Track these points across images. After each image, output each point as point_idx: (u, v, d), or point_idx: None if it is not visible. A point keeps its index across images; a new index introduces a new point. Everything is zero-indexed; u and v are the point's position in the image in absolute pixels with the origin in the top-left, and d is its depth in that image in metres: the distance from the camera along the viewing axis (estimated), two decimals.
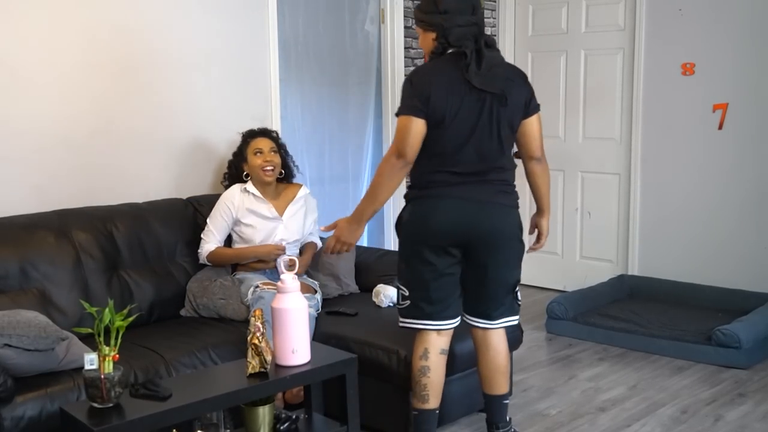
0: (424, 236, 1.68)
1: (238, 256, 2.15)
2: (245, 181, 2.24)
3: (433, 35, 1.68)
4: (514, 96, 1.67)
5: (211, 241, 2.17)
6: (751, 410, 2.17)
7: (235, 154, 2.29)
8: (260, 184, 2.21)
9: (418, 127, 1.62)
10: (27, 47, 2.06)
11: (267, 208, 2.19)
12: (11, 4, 2.02)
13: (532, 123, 1.72)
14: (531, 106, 1.71)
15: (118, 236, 2.10)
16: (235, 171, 2.27)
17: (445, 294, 1.71)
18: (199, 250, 2.18)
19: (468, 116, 1.64)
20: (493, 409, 1.83)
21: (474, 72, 1.62)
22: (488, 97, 1.64)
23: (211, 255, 2.15)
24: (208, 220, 2.19)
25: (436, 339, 1.73)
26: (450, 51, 1.67)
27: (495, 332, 1.79)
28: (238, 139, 2.33)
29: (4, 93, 2.03)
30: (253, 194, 2.19)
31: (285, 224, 2.21)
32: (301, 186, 2.30)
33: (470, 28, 1.66)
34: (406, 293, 1.73)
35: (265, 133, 2.29)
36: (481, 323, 1.78)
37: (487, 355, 1.79)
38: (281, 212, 2.22)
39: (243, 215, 2.17)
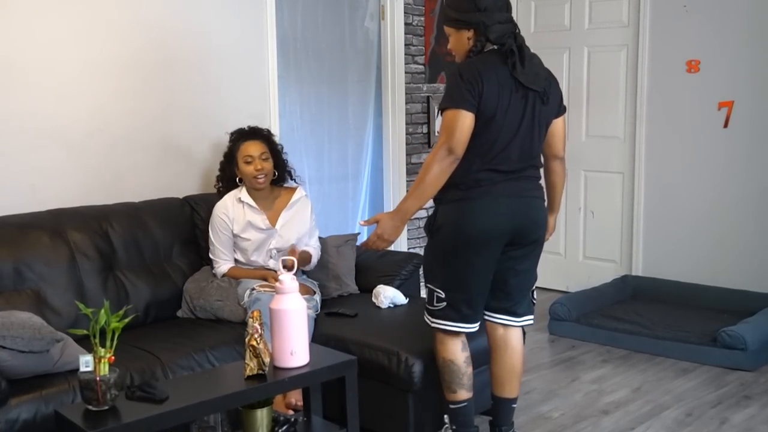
0: (473, 238, 1.66)
1: (249, 277, 2.11)
2: (238, 185, 2.19)
3: (468, 34, 1.67)
4: (552, 95, 1.71)
5: (222, 261, 2.15)
6: (757, 413, 2.15)
7: (226, 156, 2.23)
8: (253, 190, 2.17)
9: (468, 121, 1.60)
10: (23, 45, 2.05)
11: (261, 220, 2.14)
12: (8, 2, 2.00)
13: (560, 123, 1.78)
14: (562, 107, 1.77)
15: (113, 236, 2.08)
16: (229, 174, 2.21)
17: (483, 296, 1.74)
18: (213, 271, 2.16)
19: (514, 114, 1.65)
20: (502, 412, 1.82)
21: (520, 70, 1.63)
22: (531, 95, 1.67)
23: (225, 277, 2.14)
24: (211, 237, 2.15)
25: (464, 337, 1.77)
26: (489, 49, 1.66)
27: (515, 331, 1.81)
28: None
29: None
30: (248, 204, 2.14)
31: (279, 233, 2.16)
32: (296, 189, 2.24)
33: (508, 25, 1.67)
34: (443, 295, 1.70)
35: (255, 134, 2.20)
36: (506, 320, 1.79)
37: (505, 354, 1.79)
38: (274, 221, 2.16)
39: (239, 229, 2.13)
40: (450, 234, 1.68)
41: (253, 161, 2.13)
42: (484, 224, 1.65)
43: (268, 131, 2.27)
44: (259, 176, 2.13)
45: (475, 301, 1.72)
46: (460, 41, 1.69)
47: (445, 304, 1.71)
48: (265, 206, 2.18)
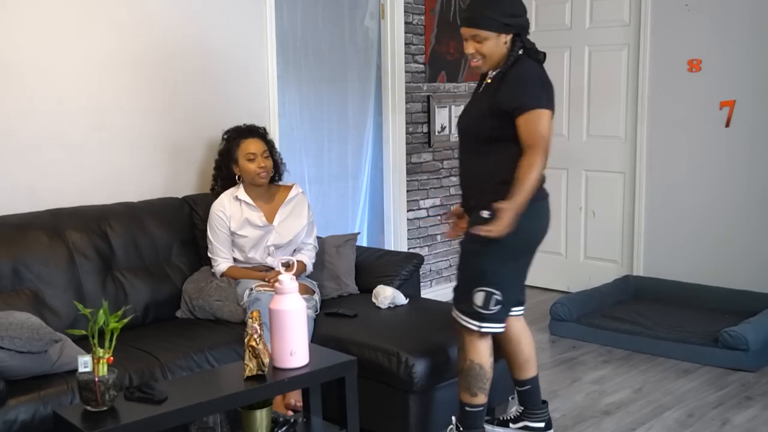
0: (539, 237, 1.73)
1: (248, 277, 2.11)
2: (237, 183, 2.19)
3: (507, 38, 1.67)
4: None
5: (221, 259, 2.14)
6: (758, 414, 2.14)
7: (222, 154, 2.22)
8: (252, 187, 2.17)
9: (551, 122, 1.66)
10: (20, 44, 2.04)
11: (258, 217, 2.14)
12: (6, 2, 1.99)
13: None
14: None
15: (112, 236, 2.07)
16: (226, 173, 2.20)
17: None
18: (212, 270, 2.15)
19: None
20: (537, 389, 1.88)
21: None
22: None
23: (224, 275, 2.13)
24: (209, 236, 2.14)
25: (491, 341, 1.80)
26: (519, 53, 1.69)
27: (523, 317, 1.90)
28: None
29: None
30: (245, 201, 2.14)
31: (277, 230, 2.16)
32: (293, 186, 2.24)
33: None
34: (500, 297, 1.70)
35: (254, 132, 2.21)
36: (520, 310, 1.87)
37: (526, 337, 1.87)
38: (272, 218, 2.16)
39: (236, 226, 2.13)
40: (524, 233, 1.66)
41: (256, 158, 2.13)
42: (546, 224, 1.73)
43: (265, 129, 2.27)
44: (262, 173, 2.13)
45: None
46: (498, 45, 1.67)
47: (500, 306, 1.71)
48: (263, 204, 2.17)
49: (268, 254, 2.16)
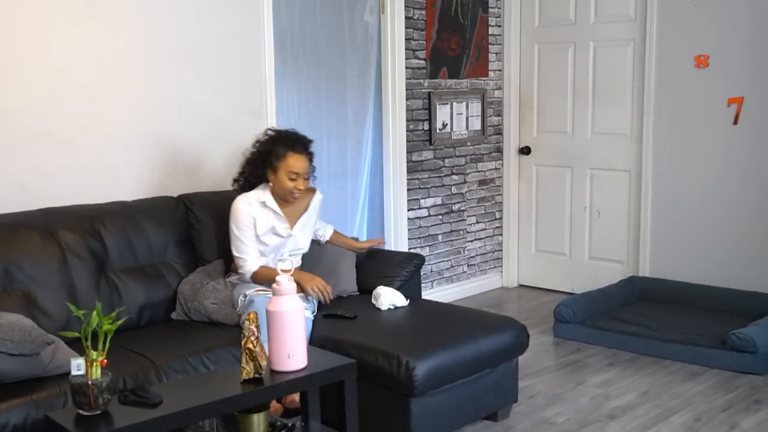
0: None
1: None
2: (266, 184, 2.05)
3: None
4: None
5: (251, 257, 2.01)
6: (767, 417, 2.09)
7: (261, 152, 2.03)
8: (281, 199, 2.07)
9: None
10: (12, 40, 2.01)
11: (283, 228, 2.09)
12: None
13: None
14: None
15: (106, 236, 2.04)
16: (258, 172, 2.04)
17: None
18: (240, 270, 2.02)
19: None
20: None
21: None
22: None
23: (255, 275, 2.01)
24: (235, 233, 2.01)
25: None
26: None
27: None
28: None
29: None
30: (273, 210, 2.06)
31: (296, 237, 2.13)
32: (314, 192, 2.18)
33: None
34: None
35: (304, 146, 2.03)
36: None
37: None
38: (292, 225, 2.12)
39: (261, 232, 2.06)
40: None
41: (298, 179, 2.02)
42: None
43: (310, 142, 2.09)
44: (296, 194, 2.05)
45: None
46: None
47: None
48: (288, 212, 2.10)
49: (280, 259, 2.10)
